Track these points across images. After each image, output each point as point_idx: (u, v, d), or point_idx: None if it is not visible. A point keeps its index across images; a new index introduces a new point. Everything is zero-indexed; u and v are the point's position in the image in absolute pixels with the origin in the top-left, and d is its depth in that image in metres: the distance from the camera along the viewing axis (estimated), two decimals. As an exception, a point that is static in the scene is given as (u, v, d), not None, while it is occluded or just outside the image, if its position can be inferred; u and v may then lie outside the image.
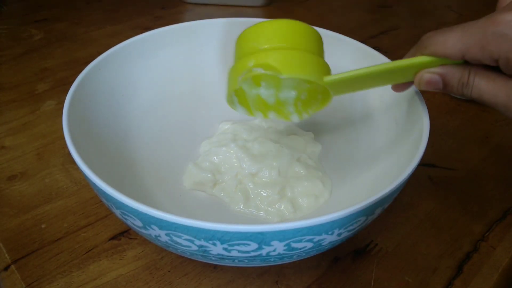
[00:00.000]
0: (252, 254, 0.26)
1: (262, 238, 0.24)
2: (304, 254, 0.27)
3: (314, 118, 0.44)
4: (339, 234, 0.26)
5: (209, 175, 0.38)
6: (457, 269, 0.35)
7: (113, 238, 0.35)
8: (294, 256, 0.27)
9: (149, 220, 0.25)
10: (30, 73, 0.55)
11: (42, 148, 0.44)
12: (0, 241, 0.35)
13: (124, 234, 0.36)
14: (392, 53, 0.62)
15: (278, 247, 0.25)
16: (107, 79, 0.38)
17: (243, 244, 0.25)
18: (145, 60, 0.41)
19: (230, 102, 0.34)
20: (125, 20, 0.68)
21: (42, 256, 0.34)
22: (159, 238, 0.26)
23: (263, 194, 0.37)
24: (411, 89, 0.35)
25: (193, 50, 0.44)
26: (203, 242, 0.25)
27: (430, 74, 0.27)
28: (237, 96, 0.34)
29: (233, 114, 0.45)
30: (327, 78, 0.29)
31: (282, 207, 0.36)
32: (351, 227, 0.27)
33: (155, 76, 0.42)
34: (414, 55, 0.28)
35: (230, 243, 0.25)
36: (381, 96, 0.39)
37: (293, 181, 0.37)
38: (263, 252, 0.26)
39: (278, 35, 0.30)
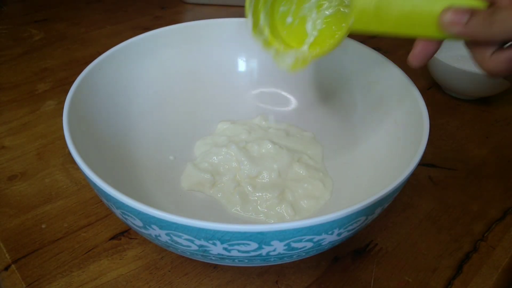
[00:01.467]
0: (252, 254, 0.26)
1: (262, 238, 0.24)
2: (304, 254, 0.28)
3: (314, 118, 0.44)
4: (339, 234, 0.26)
5: (208, 176, 0.38)
6: (457, 269, 0.35)
7: (113, 238, 0.35)
8: (294, 256, 0.28)
9: (149, 220, 0.25)
10: (30, 73, 0.55)
11: (42, 148, 0.44)
12: (0, 241, 0.35)
13: (124, 234, 0.36)
14: (392, 53, 0.63)
15: (278, 247, 0.25)
16: (107, 79, 0.38)
17: (243, 244, 0.25)
18: (145, 60, 0.41)
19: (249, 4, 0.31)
20: (125, 20, 0.68)
21: (42, 256, 0.34)
22: (159, 238, 0.26)
23: (262, 197, 0.36)
24: (411, 89, 0.35)
25: (193, 50, 0.44)
26: (203, 242, 0.25)
27: (458, 7, 0.26)
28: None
29: (233, 114, 0.45)
30: None
31: (282, 210, 0.36)
32: (351, 227, 0.27)
33: (155, 76, 0.42)
34: None
35: (230, 243, 0.25)
36: (381, 96, 0.39)
37: (293, 184, 0.37)
38: (263, 252, 0.26)
39: None
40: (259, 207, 0.36)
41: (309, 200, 0.36)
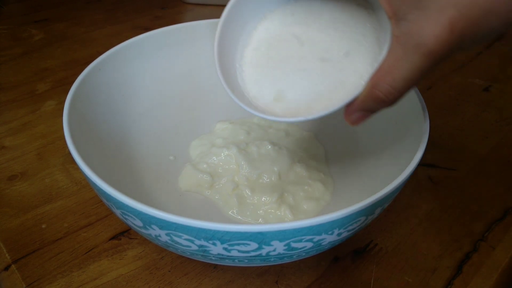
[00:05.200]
0: (252, 254, 0.26)
1: (262, 238, 0.24)
2: (304, 254, 0.28)
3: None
4: (339, 234, 0.26)
5: (206, 177, 0.38)
6: (457, 269, 0.35)
7: (113, 238, 0.35)
8: (294, 256, 0.28)
9: (149, 220, 0.25)
10: (30, 73, 0.55)
11: (42, 148, 0.44)
12: (0, 241, 0.35)
13: (125, 234, 0.36)
14: (392, 53, 0.63)
15: (278, 247, 0.25)
16: (107, 79, 0.38)
17: (243, 244, 0.25)
18: (145, 60, 0.41)
19: None
20: (125, 20, 0.68)
21: (42, 256, 0.34)
22: (159, 238, 0.26)
23: (261, 200, 0.36)
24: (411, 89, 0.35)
25: (193, 50, 0.44)
26: (203, 242, 0.25)
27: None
28: None
29: (232, 114, 0.45)
30: None
31: (282, 214, 0.35)
32: (351, 227, 0.27)
33: (155, 76, 0.42)
34: None
35: (230, 243, 0.25)
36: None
37: (293, 186, 0.37)
38: (263, 252, 0.26)
39: None
40: (256, 211, 0.36)
41: (309, 201, 0.36)
